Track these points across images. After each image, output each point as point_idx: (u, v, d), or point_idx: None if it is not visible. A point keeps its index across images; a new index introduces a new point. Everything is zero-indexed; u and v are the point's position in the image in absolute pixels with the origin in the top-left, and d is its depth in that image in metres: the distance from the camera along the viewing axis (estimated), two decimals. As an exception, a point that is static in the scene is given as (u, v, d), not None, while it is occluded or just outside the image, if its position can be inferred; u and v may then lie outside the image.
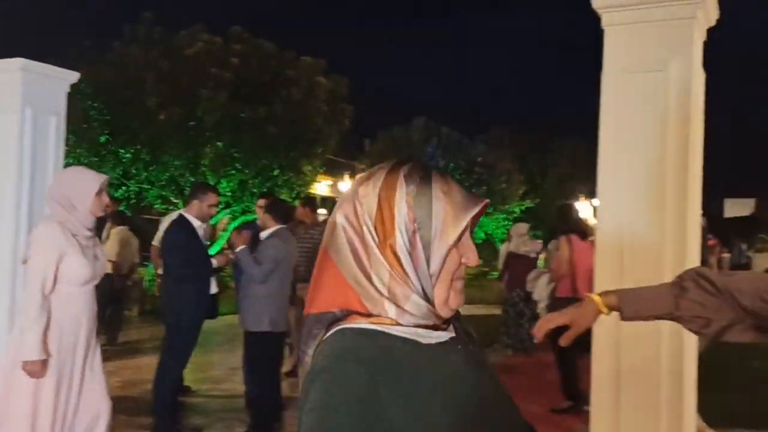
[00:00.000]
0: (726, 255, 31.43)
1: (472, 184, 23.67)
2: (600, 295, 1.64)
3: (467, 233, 1.17)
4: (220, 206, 13.93)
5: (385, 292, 1.12)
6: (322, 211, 22.85)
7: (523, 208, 25.87)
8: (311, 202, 7.10)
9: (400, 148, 23.58)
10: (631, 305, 1.65)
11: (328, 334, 1.13)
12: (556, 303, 5.57)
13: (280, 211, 4.94)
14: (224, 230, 9.83)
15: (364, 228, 1.13)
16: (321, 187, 21.83)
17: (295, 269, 5.23)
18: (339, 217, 1.16)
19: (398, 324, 1.13)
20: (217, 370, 7.14)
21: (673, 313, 1.63)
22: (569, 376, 5.86)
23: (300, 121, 14.60)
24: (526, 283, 6.99)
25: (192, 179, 13.74)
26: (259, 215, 5.05)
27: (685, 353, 3.09)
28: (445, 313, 1.18)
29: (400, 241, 1.12)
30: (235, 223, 14.81)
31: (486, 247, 24.22)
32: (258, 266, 4.65)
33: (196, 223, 4.87)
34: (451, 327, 1.22)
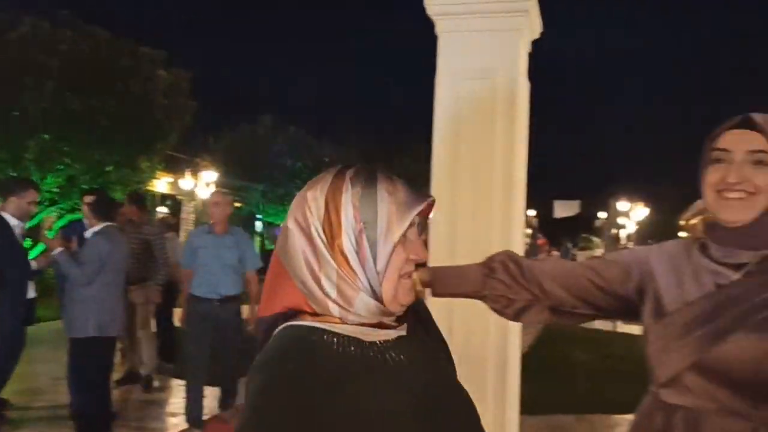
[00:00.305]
0: (555, 253, 34.06)
1: (319, 184, 23.80)
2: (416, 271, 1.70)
3: (413, 231, 1.22)
4: (46, 203, 12.90)
5: (333, 292, 1.16)
6: (162, 209, 21.91)
7: (369, 207, 26.40)
8: (139, 199, 6.69)
9: (246, 146, 23.18)
10: (442, 282, 1.71)
11: (276, 332, 1.18)
12: None
13: (103, 207, 4.64)
14: (49, 229, 9.12)
15: (313, 230, 1.17)
16: (161, 184, 20.87)
17: (126, 271, 4.96)
18: (290, 222, 1.20)
19: (343, 322, 1.17)
20: (39, 381, 6.59)
21: (479, 291, 1.72)
22: None
23: (137, 114, 13.86)
24: None
25: (14, 175, 12.58)
26: (85, 213, 4.73)
27: (509, 346, 3.27)
28: (395, 308, 1.22)
29: (347, 241, 1.16)
30: (61, 222, 13.79)
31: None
32: (79, 267, 4.34)
33: (14, 221, 4.49)
34: (404, 325, 1.25)
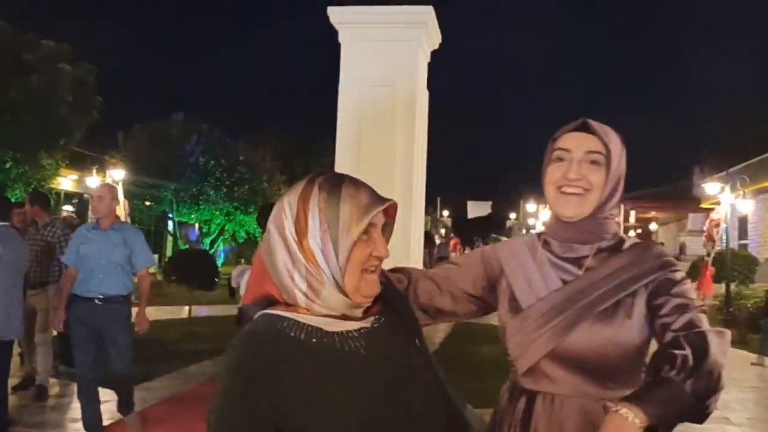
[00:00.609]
0: (468, 252, 34.81)
1: (234, 183, 23.42)
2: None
3: (376, 230, 1.36)
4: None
5: (303, 285, 1.32)
6: (68, 207, 21.01)
7: (284, 207, 26.19)
8: (41, 198, 6.33)
9: (157, 143, 22.55)
10: None
11: (254, 318, 1.36)
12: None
13: (-6, 206, 4.43)
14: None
15: (287, 231, 1.32)
16: (65, 182, 20.05)
17: (26, 274, 4.78)
18: (270, 225, 1.36)
19: (309, 313, 1.33)
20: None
21: None
22: None
23: (40, 110, 13.29)
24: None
25: None
26: (-20, 212, 4.54)
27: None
28: (359, 299, 1.35)
29: (313, 240, 1.31)
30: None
31: (250, 246, 24.13)
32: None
33: None
34: (371, 318, 1.39)
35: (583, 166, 1.64)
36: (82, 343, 4.55)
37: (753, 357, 9.05)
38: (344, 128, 3.40)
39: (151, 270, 6.99)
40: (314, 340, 1.32)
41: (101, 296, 4.53)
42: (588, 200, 1.64)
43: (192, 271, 11.49)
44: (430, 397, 1.45)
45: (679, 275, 1.60)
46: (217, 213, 23.52)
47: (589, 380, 1.59)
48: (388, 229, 1.45)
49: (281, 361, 1.29)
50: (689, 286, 1.60)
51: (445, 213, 36.71)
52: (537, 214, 38.73)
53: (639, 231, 32.96)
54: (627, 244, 1.69)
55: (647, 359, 1.56)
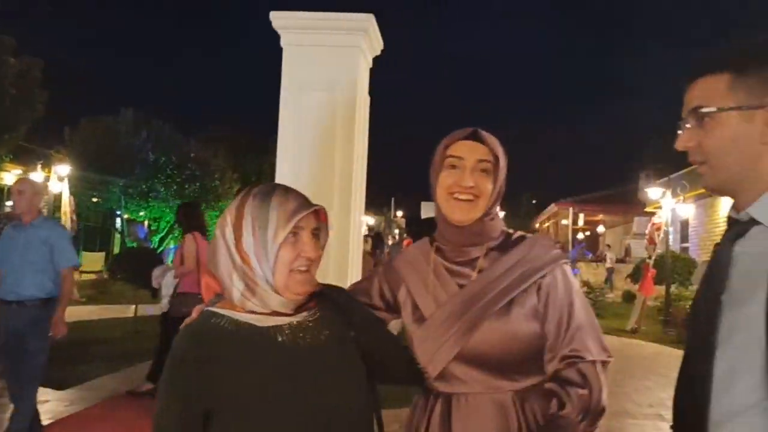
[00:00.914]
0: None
1: (185, 180, 23.11)
2: None
3: (304, 233, 1.53)
4: None
5: (240, 285, 1.50)
6: (9, 203, 20.39)
7: (236, 205, 25.96)
8: None
9: (106, 139, 22.11)
10: None
11: None
12: (180, 298, 5.71)
13: None
14: None
15: (227, 235, 1.51)
16: (9, 177, 19.50)
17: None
18: (217, 230, 1.54)
19: (243, 310, 1.51)
20: None
21: None
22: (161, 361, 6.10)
23: (-19, 102, 12.94)
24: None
25: None
26: None
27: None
28: (289, 296, 1.53)
29: (247, 243, 1.50)
30: None
31: (199, 245, 23.77)
32: None
33: None
34: (303, 314, 1.56)
35: (474, 173, 1.74)
36: (1, 348, 4.19)
37: (687, 356, 9.44)
38: (285, 131, 3.44)
39: (98, 268, 6.87)
40: (248, 334, 1.49)
41: (15, 298, 4.20)
42: (478, 206, 1.74)
43: (139, 269, 11.32)
44: (349, 391, 1.56)
45: (565, 272, 1.72)
46: (167, 210, 23.17)
47: (498, 375, 1.69)
48: (322, 233, 1.61)
49: (211, 351, 1.47)
50: (572, 285, 1.72)
51: (399, 213, 36.88)
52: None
53: (587, 233, 33.71)
54: (514, 240, 1.80)
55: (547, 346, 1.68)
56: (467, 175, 1.74)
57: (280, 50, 3.57)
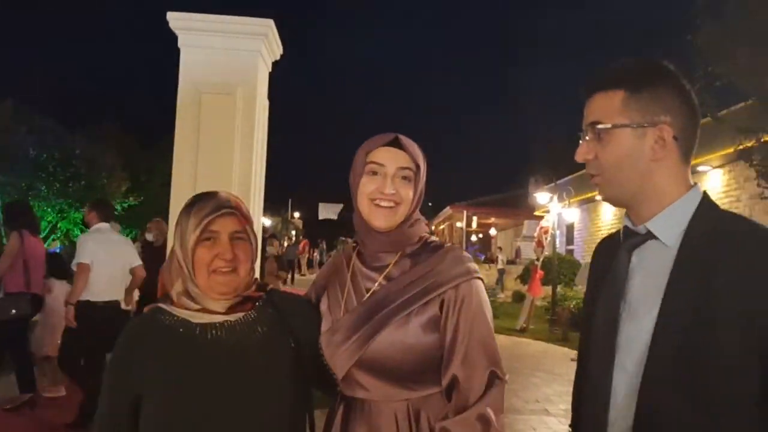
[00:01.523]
0: (316, 253, 35.08)
1: (69, 178, 21.92)
2: None
3: (220, 235, 1.67)
4: None
5: (178, 285, 1.67)
6: None
7: (125, 205, 24.92)
8: None
9: (-19, 133, 20.62)
10: None
11: None
12: (7, 299, 5.49)
13: None
14: None
15: (175, 242, 1.70)
16: None
17: None
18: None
19: (183, 307, 1.66)
20: None
21: None
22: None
23: None
24: None
25: None
26: None
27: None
28: (214, 296, 1.67)
29: (176, 248, 1.68)
30: None
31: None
32: None
33: None
34: (238, 314, 1.69)
35: (396, 181, 1.77)
36: None
37: (573, 354, 9.83)
38: (182, 133, 3.37)
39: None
40: (181, 329, 1.64)
41: None
42: (399, 212, 1.77)
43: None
44: (271, 391, 1.65)
45: (473, 287, 1.74)
46: (49, 210, 21.92)
47: (395, 384, 1.73)
48: (251, 236, 1.72)
49: (144, 342, 1.62)
50: (476, 303, 1.72)
51: (297, 214, 36.64)
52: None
53: (481, 235, 34.77)
54: (429, 248, 1.82)
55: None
56: (388, 183, 1.77)
57: (170, 48, 3.50)
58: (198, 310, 1.67)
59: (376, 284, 1.79)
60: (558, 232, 16.24)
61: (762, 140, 8.87)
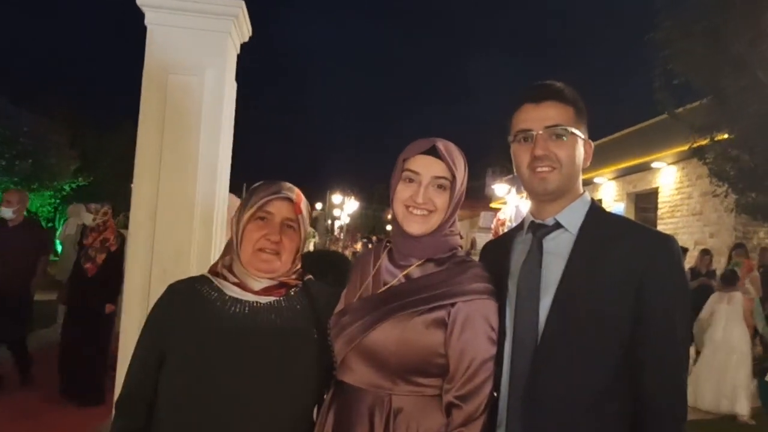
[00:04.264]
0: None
1: (16, 156, 21.19)
2: None
3: (275, 218, 1.77)
4: None
5: (227, 259, 1.82)
6: None
7: (74, 185, 24.24)
8: None
9: None
10: None
11: None
12: None
13: None
14: None
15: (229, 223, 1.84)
16: None
17: None
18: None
19: (222, 278, 1.80)
20: None
21: None
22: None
23: None
24: None
25: None
26: None
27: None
28: (253, 272, 1.78)
29: (233, 223, 1.81)
30: None
31: (30, 227, 21.94)
32: None
33: None
34: (270, 298, 1.80)
35: (429, 189, 1.81)
36: None
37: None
38: (147, 114, 3.26)
39: None
40: (214, 299, 1.75)
41: None
42: (432, 220, 1.82)
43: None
44: (284, 377, 1.73)
45: (486, 306, 1.76)
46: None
47: (383, 375, 1.75)
48: (302, 226, 1.81)
49: (178, 305, 1.75)
50: (482, 324, 1.75)
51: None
52: (342, 206, 39.59)
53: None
54: (456, 260, 1.85)
55: (441, 362, 1.74)
56: (421, 191, 1.81)
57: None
58: (236, 284, 1.77)
59: (395, 280, 1.83)
60: (514, 224, 16.42)
61: (715, 139, 9.12)
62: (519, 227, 1.99)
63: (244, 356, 1.70)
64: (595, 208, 1.86)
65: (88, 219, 6.47)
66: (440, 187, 1.83)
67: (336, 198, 39.40)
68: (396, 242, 1.90)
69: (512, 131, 1.85)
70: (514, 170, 1.91)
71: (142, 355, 1.78)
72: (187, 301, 1.76)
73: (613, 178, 16.98)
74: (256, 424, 1.68)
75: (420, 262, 1.84)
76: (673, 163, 14.07)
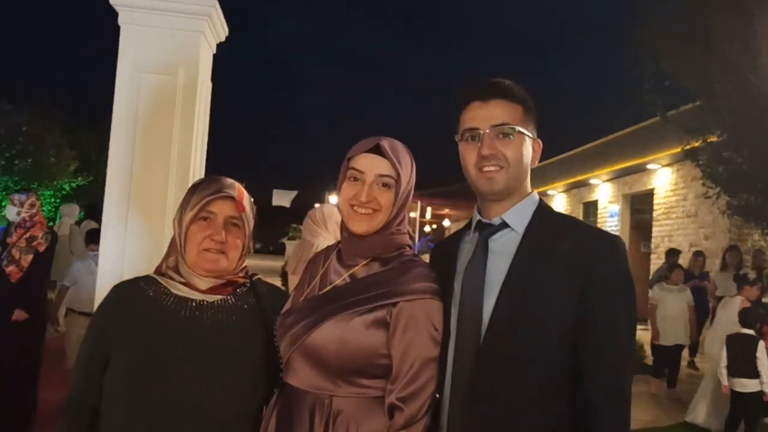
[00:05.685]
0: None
1: (15, 155, 21.23)
2: None
3: (218, 217, 1.77)
4: None
5: (172, 260, 1.81)
6: None
7: (74, 185, 24.27)
8: None
9: None
10: None
11: None
12: None
13: None
14: None
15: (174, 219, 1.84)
16: None
17: None
18: None
19: (168, 278, 1.79)
20: None
21: None
22: None
23: None
24: None
25: None
26: None
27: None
28: (199, 272, 1.78)
29: (175, 224, 1.82)
30: None
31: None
32: None
33: None
34: (217, 296, 1.80)
35: (374, 188, 1.81)
36: None
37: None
38: (119, 114, 3.27)
39: None
40: (159, 299, 1.74)
41: None
42: (377, 219, 1.82)
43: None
44: (228, 375, 1.72)
45: (428, 306, 1.75)
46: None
47: (324, 377, 1.74)
48: (245, 223, 1.81)
49: (122, 306, 1.74)
50: (425, 323, 1.74)
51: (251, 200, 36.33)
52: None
53: (434, 226, 35.00)
54: (402, 259, 1.84)
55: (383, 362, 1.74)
56: (365, 190, 1.81)
57: (115, 23, 3.38)
58: (182, 284, 1.77)
59: (340, 279, 1.83)
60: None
61: (708, 141, 9.10)
62: (467, 227, 1.97)
63: (190, 355, 1.70)
64: (543, 207, 1.85)
65: (12, 213, 5.39)
66: (385, 185, 1.82)
67: (333, 198, 39.36)
68: (343, 242, 1.90)
69: (459, 130, 1.84)
70: (462, 169, 1.89)
71: (86, 358, 1.76)
72: (132, 302, 1.75)
73: (609, 180, 16.96)
74: (201, 424, 1.67)
75: (365, 262, 1.84)
76: (669, 165, 14.05)
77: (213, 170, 3.92)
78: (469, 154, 1.81)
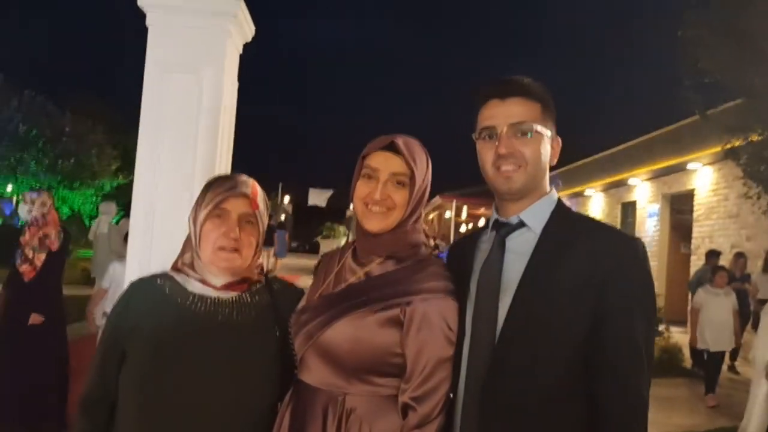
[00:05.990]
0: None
1: (58, 155, 21.79)
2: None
3: (232, 215, 1.76)
4: None
5: (187, 256, 1.81)
6: None
7: (115, 184, 24.78)
8: None
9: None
10: None
11: None
12: None
13: None
14: None
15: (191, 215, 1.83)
16: None
17: None
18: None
19: (183, 275, 1.80)
20: None
21: None
22: None
23: None
24: None
25: None
26: None
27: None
28: (213, 270, 1.78)
29: (190, 222, 1.81)
30: None
31: (73, 223, 22.59)
32: None
33: None
34: (231, 293, 1.80)
35: (388, 186, 1.79)
36: None
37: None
38: (147, 114, 3.32)
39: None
40: (175, 296, 1.76)
41: None
42: (391, 217, 1.80)
43: (2, 247, 10.59)
44: (240, 373, 1.72)
45: (439, 308, 1.72)
46: (38, 186, 21.78)
47: (338, 375, 1.74)
48: (260, 221, 1.80)
49: (139, 302, 1.76)
50: (438, 323, 1.72)
51: (287, 199, 36.71)
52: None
53: (470, 225, 34.75)
54: (417, 257, 1.82)
55: (397, 361, 1.72)
56: (379, 189, 1.79)
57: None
58: (198, 281, 1.78)
59: (355, 277, 1.82)
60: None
61: (749, 140, 8.84)
62: (485, 226, 1.94)
63: (204, 351, 1.70)
64: (561, 207, 1.81)
65: (23, 212, 5.31)
66: (399, 183, 1.80)
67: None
68: (358, 240, 1.89)
69: (477, 128, 1.80)
70: (480, 168, 1.86)
71: (103, 354, 1.77)
72: (148, 298, 1.76)
73: (648, 179, 16.62)
74: (215, 420, 1.67)
75: (380, 260, 1.82)
76: (709, 164, 13.70)
77: (249, 170, 3.96)
78: (486, 153, 1.78)
